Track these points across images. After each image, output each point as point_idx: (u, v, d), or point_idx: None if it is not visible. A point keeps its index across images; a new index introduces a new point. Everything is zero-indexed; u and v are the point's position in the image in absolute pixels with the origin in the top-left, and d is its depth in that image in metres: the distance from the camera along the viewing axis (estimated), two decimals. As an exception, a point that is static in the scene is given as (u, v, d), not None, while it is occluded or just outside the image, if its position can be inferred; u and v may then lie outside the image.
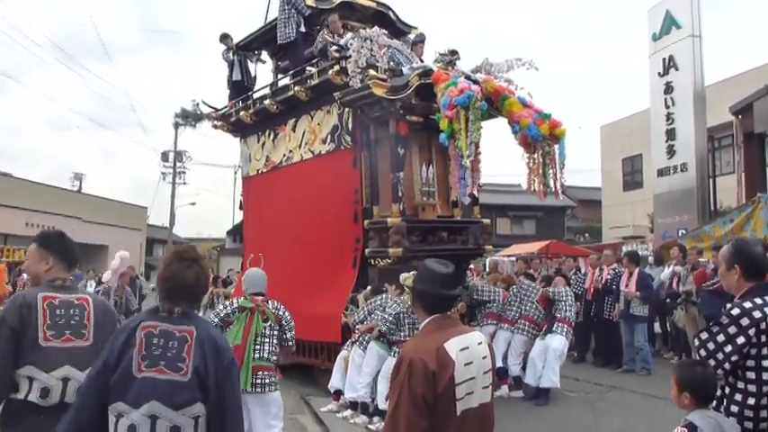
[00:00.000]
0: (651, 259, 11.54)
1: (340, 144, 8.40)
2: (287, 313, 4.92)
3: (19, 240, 24.69)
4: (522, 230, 32.60)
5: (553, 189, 7.34)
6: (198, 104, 11.31)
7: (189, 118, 10.02)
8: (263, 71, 11.07)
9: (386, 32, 8.27)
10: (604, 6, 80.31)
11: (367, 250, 7.85)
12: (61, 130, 68.85)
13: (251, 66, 10.76)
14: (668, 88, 16.20)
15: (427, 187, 8.26)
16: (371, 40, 7.71)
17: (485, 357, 2.38)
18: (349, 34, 8.76)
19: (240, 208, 11.17)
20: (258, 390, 4.54)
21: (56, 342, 2.74)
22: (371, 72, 7.49)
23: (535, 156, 7.22)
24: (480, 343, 2.41)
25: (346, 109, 8.18)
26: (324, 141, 8.67)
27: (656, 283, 9.70)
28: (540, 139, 7.00)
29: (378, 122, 8.00)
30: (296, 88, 8.80)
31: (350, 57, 7.66)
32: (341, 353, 7.16)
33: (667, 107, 16.19)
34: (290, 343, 4.92)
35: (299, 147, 9.13)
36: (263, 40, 10.29)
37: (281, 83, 9.95)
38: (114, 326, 2.89)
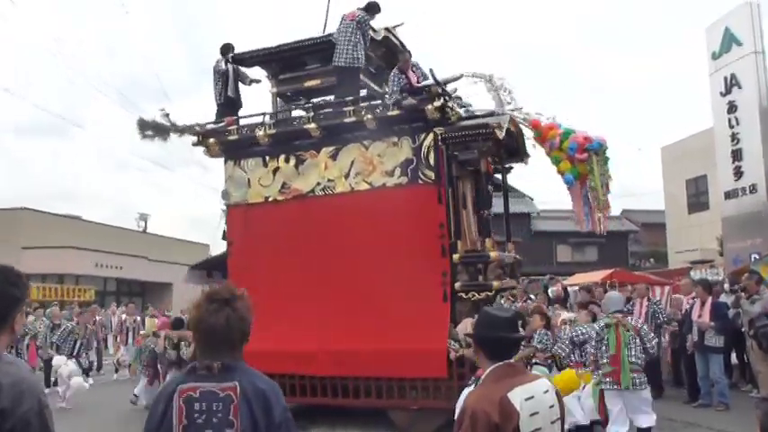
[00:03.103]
0: (726, 286, 11.03)
1: (416, 178, 8.37)
2: (645, 327, 6.40)
3: (90, 280, 25.79)
4: (584, 257, 31.83)
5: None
6: (167, 115, 10.08)
7: (149, 129, 8.23)
8: (248, 91, 10.33)
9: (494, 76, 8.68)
10: (640, 14, 78.18)
11: (457, 284, 7.95)
12: (124, 171, 71.99)
13: (240, 85, 10.01)
14: (731, 107, 15.65)
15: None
16: (489, 79, 8.43)
17: (552, 406, 2.31)
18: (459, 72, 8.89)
19: (224, 238, 9.76)
20: (634, 387, 5.74)
21: None
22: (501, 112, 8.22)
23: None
24: (547, 391, 2.33)
25: (425, 143, 8.28)
26: (389, 174, 8.55)
27: (733, 312, 9.26)
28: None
29: (466, 160, 8.33)
30: (367, 116, 8.54)
31: (445, 92, 8.20)
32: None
33: (732, 127, 15.62)
34: (652, 351, 6.32)
35: (345, 177, 8.83)
36: (265, 59, 9.81)
37: (311, 106, 9.57)
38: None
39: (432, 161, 8.29)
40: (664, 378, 10.18)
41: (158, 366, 10.19)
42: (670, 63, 77.22)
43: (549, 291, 12.85)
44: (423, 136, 8.34)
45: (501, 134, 7.84)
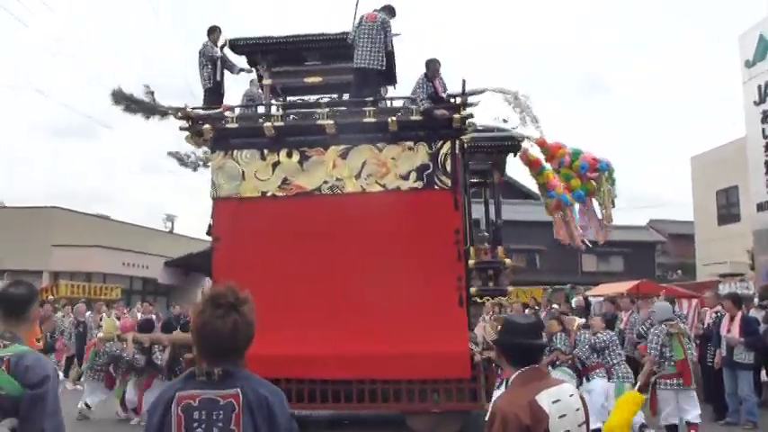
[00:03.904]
0: (756, 300, 10.78)
1: (432, 183, 8.44)
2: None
3: (117, 279, 26.16)
4: (609, 267, 31.32)
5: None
6: (152, 93, 9.47)
7: (126, 102, 7.25)
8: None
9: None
10: (641, 14, 76.69)
11: (473, 288, 8.46)
12: (152, 172, 73.14)
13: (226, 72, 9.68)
14: (765, 117, 15.37)
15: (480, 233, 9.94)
16: (515, 96, 8.77)
17: (578, 409, 2.35)
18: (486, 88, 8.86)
19: (209, 234, 9.22)
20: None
21: None
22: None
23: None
24: (572, 395, 2.38)
25: (442, 150, 8.42)
26: (404, 177, 8.54)
27: (764, 327, 9.05)
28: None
29: (481, 171, 9.23)
30: (391, 118, 8.48)
31: (473, 104, 8.59)
32: None
33: (765, 137, 15.33)
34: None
35: (356, 177, 8.67)
36: (262, 49, 9.54)
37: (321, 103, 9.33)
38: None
39: (448, 168, 8.43)
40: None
41: (110, 372, 9.63)
42: (671, 64, 76.38)
43: (572, 301, 12.73)
44: (440, 143, 8.44)
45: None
